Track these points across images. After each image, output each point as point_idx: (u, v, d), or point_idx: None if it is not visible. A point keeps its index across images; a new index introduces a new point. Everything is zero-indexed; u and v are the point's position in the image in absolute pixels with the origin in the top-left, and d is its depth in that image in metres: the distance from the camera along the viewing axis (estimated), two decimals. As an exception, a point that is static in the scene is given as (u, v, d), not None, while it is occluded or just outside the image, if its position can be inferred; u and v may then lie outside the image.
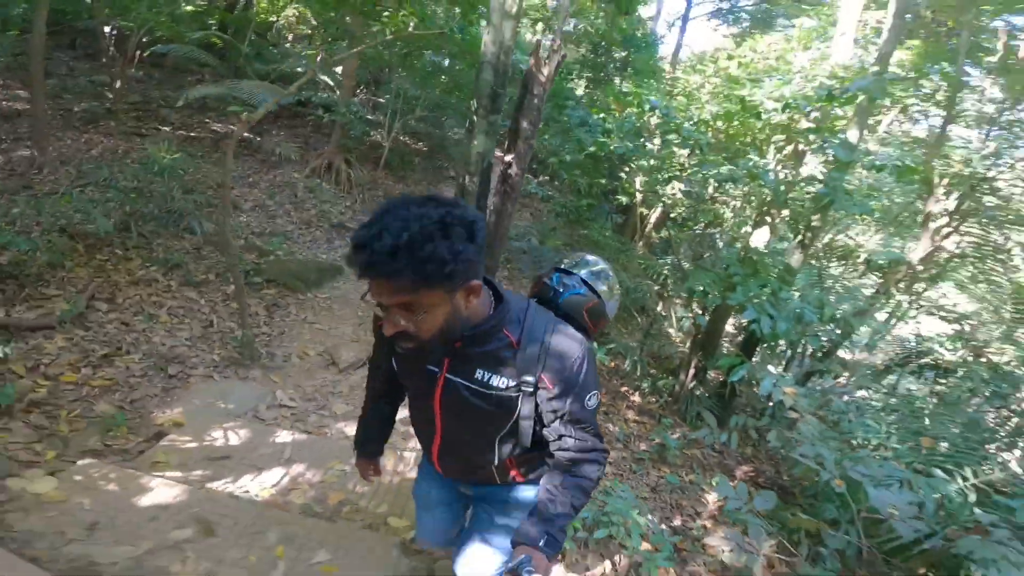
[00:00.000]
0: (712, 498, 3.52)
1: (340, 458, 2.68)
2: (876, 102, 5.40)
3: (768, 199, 4.65)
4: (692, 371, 4.74)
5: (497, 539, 1.43)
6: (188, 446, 2.54)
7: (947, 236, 6.85)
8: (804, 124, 4.81)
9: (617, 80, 8.43)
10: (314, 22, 8.72)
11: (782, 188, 4.49)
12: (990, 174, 6.59)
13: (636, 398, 4.76)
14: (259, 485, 2.37)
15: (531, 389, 1.20)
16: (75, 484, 1.99)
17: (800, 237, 5.31)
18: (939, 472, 2.86)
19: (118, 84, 7.17)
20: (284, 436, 2.78)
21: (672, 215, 5.60)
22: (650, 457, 3.89)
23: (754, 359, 4.71)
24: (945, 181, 6.13)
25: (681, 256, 5.92)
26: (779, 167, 4.92)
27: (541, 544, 1.19)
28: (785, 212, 4.92)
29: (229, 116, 7.63)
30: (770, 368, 4.58)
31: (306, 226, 6.27)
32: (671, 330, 6.43)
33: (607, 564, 2.47)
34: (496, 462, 1.35)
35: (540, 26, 10.33)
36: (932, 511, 2.50)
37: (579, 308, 1.48)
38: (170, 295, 4.31)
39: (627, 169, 5.84)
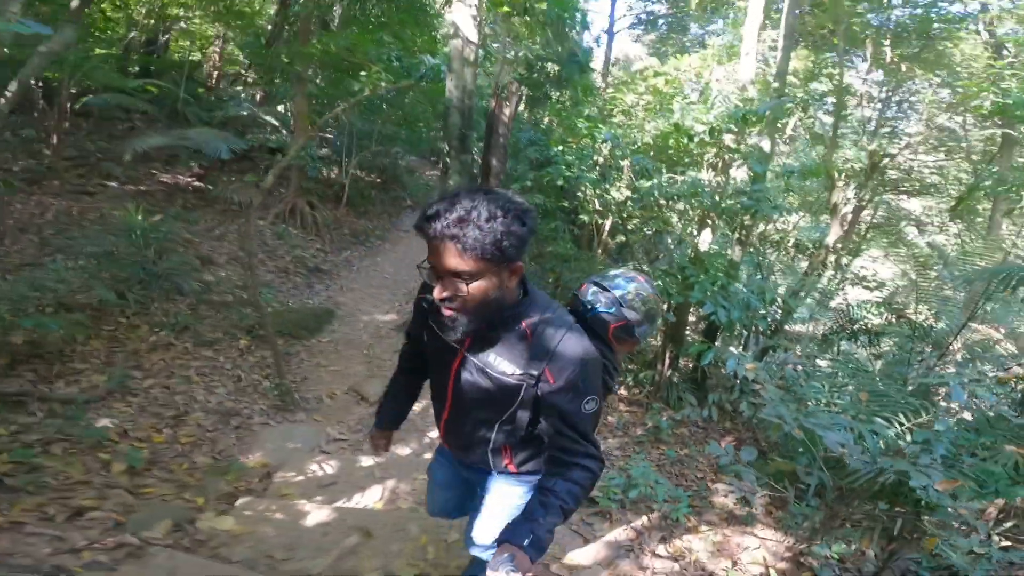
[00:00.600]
0: (707, 464, 4.54)
1: (419, 470, 3.44)
2: (778, 120, 6.73)
3: (707, 206, 5.77)
4: (667, 361, 5.78)
5: (488, 526, 1.68)
6: (297, 479, 3.21)
7: (859, 213, 8.38)
8: (728, 139, 5.99)
9: (555, 95, 9.45)
10: (246, 61, 9.11)
11: (716, 198, 5.62)
12: (891, 151, 8.14)
13: (623, 391, 5.74)
14: (370, 499, 3.10)
15: (534, 381, 1.34)
16: (248, 518, 2.64)
17: (737, 234, 6.51)
18: (879, 420, 3.94)
19: (55, 139, 7.28)
20: (367, 460, 3.49)
21: (629, 227, 6.63)
22: (647, 439, 4.87)
23: (717, 343, 5.81)
24: (844, 175, 7.60)
25: (639, 259, 6.98)
26: (712, 178, 6.06)
27: (525, 544, 1.26)
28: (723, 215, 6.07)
29: (178, 167, 7.93)
30: (731, 349, 5.68)
31: (284, 273, 6.77)
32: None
33: (644, 517, 3.39)
34: (492, 446, 1.52)
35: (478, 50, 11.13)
36: (875, 451, 3.55)
37: (605, 327, 1.64)
38: (190, 357, 4.79)
39: (583, 188, 6.83)
